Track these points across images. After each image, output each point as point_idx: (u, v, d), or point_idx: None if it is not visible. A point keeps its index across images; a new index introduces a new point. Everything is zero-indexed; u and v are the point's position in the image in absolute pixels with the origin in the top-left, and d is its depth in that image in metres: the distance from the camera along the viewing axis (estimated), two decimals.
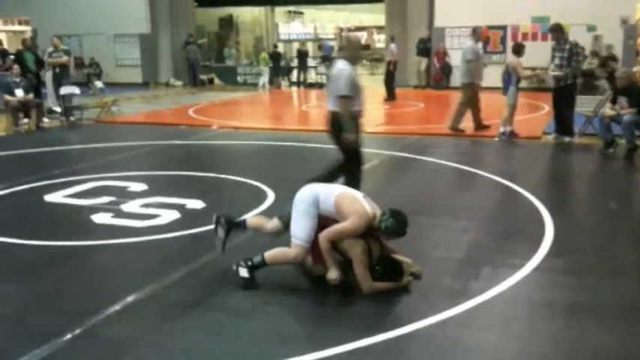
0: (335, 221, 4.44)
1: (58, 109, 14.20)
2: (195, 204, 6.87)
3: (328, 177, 6.32)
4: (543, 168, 9.30)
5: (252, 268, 4.52)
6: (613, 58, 13.88)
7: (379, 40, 37.20)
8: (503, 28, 19.89)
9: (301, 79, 23.30)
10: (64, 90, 13.96)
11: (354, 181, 6.31)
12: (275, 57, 23.45)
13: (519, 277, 4.78)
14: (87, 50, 24.05)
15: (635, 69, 14.23)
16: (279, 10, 30.45)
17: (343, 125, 6.19)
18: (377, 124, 13.77)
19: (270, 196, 7.14)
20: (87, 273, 5.11)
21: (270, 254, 4.55)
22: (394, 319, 4.10)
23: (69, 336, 3.90)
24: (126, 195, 7.31)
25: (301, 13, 33.90)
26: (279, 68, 23.37)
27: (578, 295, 4.57)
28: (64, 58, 14.80)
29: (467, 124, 11.54)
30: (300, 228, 4.47)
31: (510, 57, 11.32)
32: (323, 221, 4.49)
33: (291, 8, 31.54)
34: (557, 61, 10.19)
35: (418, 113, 15.67)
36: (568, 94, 10.27)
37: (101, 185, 7.81)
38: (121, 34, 23.94)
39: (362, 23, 39.00)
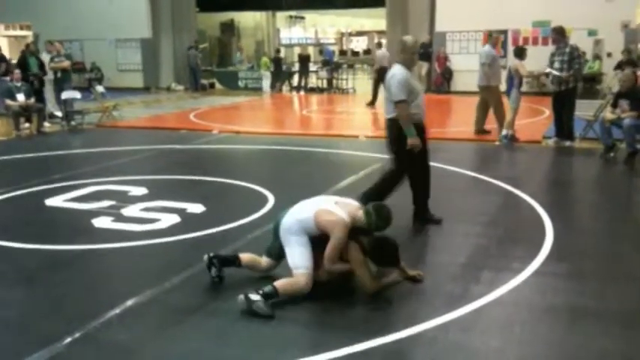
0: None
1: (59, 114, 14.22)
2: (196, 208, 6.87)
3: (382, 188, 6.26)
4: (544, 172, 9.29)
5: (264, 297, 4.24)
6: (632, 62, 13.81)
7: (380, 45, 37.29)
8: (504, 32, 19.88)
9: (302, 83, 23.31)
10: (66, 94, 13.99)
11: (389, 184, 6.31)
12: (277, 62, 23.50)
13: (520, 281, 4.77)
14: (88, 55, 24.09)
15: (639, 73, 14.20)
16: (281, 15, 30.54)
17: (405, 131, 5.98)
18: (378, 128, 13.77)
19: (271, 201, 7.14)
20: (87, 277, 5.11)
21: (281, 285, 4.36)
22: (396, 323, 4.09)
23: (69, 340, 3.89)
24: (126, 199, 7.31)
25: (302, 17, 34.01)
26: (281, 73, 23.40)
27: (580, 299, 4.56)
28: (66, 63, 14.83)
29: (490, 125, 11.57)
30: (300, 258, 4.44)
31: (513, 60, 11.35)
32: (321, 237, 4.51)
33: (293, 13, 31.63)
34: (557, 64, 10.19)
35: None
36: (568, 98, 10.28)
37: (102, 189, 7.82)
38: (123, 38, 24.00)
39: (363, 28, 39.13)
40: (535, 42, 19.20)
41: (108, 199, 7.29)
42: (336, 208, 4.50)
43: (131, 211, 6.82)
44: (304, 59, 23.64)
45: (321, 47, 30.63)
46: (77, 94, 14.25)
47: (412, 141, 5.98)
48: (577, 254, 5.42)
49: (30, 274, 5.10)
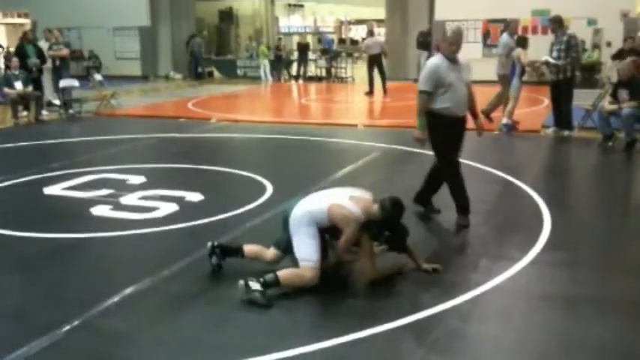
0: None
1: (58, 102, 14.18)
2: (194, 197, 6.87)
3: (431, 184, 6.16)
4: (542, 161, 9.30)
5: (264, 285, 4.24)
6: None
7: (379, 34, 37.18)
8: (504, 21, 19.82)
9: (301, 72, 23.26)
10: (64, 83, 13.95)
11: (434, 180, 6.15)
12: (278, 50, 23.45)
13: (518, 269, 4.79)
14: (86, 43, 24.01)
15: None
16: (279, 3, 30.40)
17: (417, 121, 5.85)
18: (376, 117, 13.78)
19: (269, 189, 7.14)
20: (86, 265, 5.12)
21: (284, 275, 4.33)
22: (394, 311, 4.10)
23: (68, 327, 3.90)
24: (125, 187, 7.31)
25: (301, 5, 33.85)
26: (281, 61, 23.35)
27: (577, 288, 4.58)
28: (65, 51, 14.78)
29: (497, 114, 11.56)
30: (308, 251, 4.39)
31: (516, 49, 11.34)
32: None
33: (292, 1, 31.49)
34: (555, 53, 10.20)
35: None
36: (566, 87, 10.28)
37: (100, 178, 7.81)
38: (121, 27, 23.90)
39: (362, 16, 38.96)
40: (534, 31, 19.13)
41: (106, 187, 7.29)
42: (349, 204, 4.43)
43: (129, 199, 6.82)
44: (303, 48, 23.57)
45: (319, 36, 30.55)
46: (75, 82, 14.21)
47: (417, 134, 5.87)
48: (575, 243, 5.43)
49: (28, 263, 5.11)
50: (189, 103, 15.80)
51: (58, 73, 14.47)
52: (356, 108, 16.14)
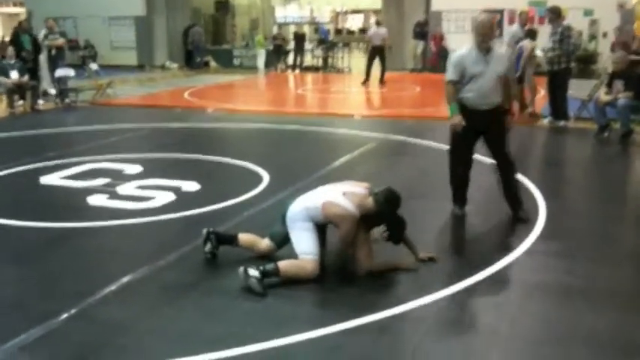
0: None
1: (53, 91, 14.14)
2: (191, 186, 6.88)
3: (510, 171, 5.86)
4: (538, 152, 9.32)
5: (263, 274, 4.26)
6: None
7: (378, 24, 37.06)
8: (500, 12, 19.79)
9: (297, 62, 23.21)
10: (59, 72, 13.91)
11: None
12: (276, 40, 23.41)
13: (512, 259, 4.82)
14: (82, 32, 23.89)
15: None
16: None
17: (448, 109, 5.76)
18: (373, 107, 13.79)
19: (265, 179, 7.15)
20: (82, 254, 5.13)
21: (284, 265, 4.35)
22: (388, 300, 4.13)
23: (65, 316, 3.92)
24: (121, 177, 7.32)
25: None
26: (279, 51, 23.31)
27: (571, 278, 4.61)
28: (61, 41, 14.72)
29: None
30: (307, 244, 4.42)
31: (526, 42, 11.31)
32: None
33: None
34: (550, 44, 10.25)
35: (414, 97, 15.66)
36: (561, 78, 10.31)
37: (96, 167, 7.81)
38: (117, 16, 23.79)
39: (359, 6, 38.83)
40: (532, 22, 19.09)
41: (103, 177, 7.29)
42: (343, 201, 4.42)
43: (126, 189, 6.83)
44: (299, 38, 23.51)
45: (316, 26, 30.45)
46: (71, 72, 14.16)
47: (451, 120, 5.73)
48: (570, 233, 5.46)
49: (25, 252, 5.12)
50: (186, 93, 15.77)
51: (53, 63, 14.42)
52: (352, 98, 16.13)
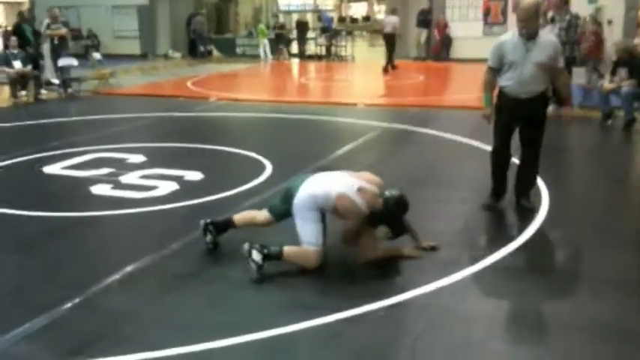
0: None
1: (56, 81, 14.15)
2: (194, 175, 6.89)
3: (534, 165, 5.69)
4: None
5: (266, 257, 4.30)
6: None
7: (379, 12, 36.91)
8: None
9: (300, 50, 23.15)
10: (62, 62, 13.90)
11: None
12: (281, 29, 23.33)
13: (514, 247, 4.81)
14: (85, 22, 23.86)
15: (635, 40, 14.13)
16: None
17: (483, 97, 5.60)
18: (376, 95, 13.76)
19: (268, 168, 7.16)
20: (86, 244, 5.15)
21: (289, 251, 4.38)
22: (389, 288, 4.15)
23: (68, 305, 3.95)
24: (125, 167, 7.33)
25: None
26: (282, 39, 23.25)
27: (573, 266, 4.62)
28: (63, 30, 14.68)
29: None
30: (313, 235, 4.40)
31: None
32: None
33: None
34: (556, 31, 10.16)
35: (418, 85, 15.62)
36: (566, 66, 10.24)
37: (100, 157, 7.83)
38: (119, 5, 23.75)
39: None
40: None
41: (106, 166, 7.31)
42: (356, 197, 4.38)
43: (129, 178, 6.84)
44: (302, 26, 23.43)
45: (319, 14, 30.35)
46: (74, 62, 14.15)
47: (483, 111, 5.62)
48: (572, 221, 5.46)
49: (28, 242, 5.14)
50: (189, 82, 15.76)
51: (56, 53, 14.40)
52: (356, 87, 16.10)
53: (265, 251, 4.29)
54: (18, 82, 12.90)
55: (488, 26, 19.97)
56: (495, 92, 5.61)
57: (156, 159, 7.71)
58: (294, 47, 23.82)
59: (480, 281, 4.32)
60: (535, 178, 5.82)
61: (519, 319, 3.85)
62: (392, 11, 18.53)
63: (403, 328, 3.74)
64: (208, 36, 25.02)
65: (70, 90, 13.78)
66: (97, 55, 16.34)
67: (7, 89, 13.14)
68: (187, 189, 6.44)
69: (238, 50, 23.95)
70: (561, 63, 5.46)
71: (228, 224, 4.85)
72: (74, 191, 6.53)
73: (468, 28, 20.02)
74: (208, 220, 4.85)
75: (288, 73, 19.97)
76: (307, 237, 4.42)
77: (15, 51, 12.98)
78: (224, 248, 4.79)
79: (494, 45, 5.46)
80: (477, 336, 3.65)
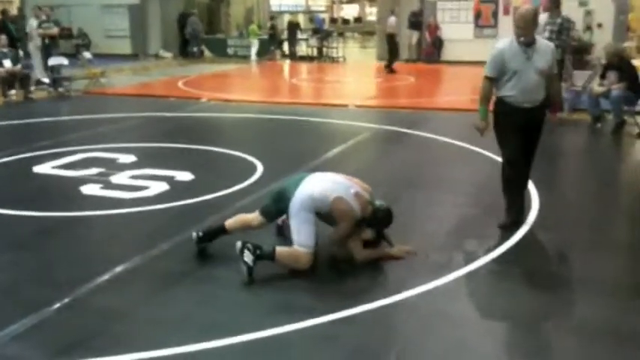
0: None
1: (47, 80, 14.07)
2: (185, 176, 6.87)
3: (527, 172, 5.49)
4: None
5: (258, 258, 4.29)
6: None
7: (371, 13, 36.98)
8: (495, 1, 19.78)
9: (291, 51, 23.14)
10: (52, 61, 13.84)
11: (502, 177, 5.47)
12: (273, 29, 23.33)
13: (505, 249, 4.83)
14: (75, 21, 23.74)
15: (625, 44, 14.23)
16: None
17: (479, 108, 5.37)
18: (367, 97, 13.77)
19: (259, 169, 7.15)
20: (76, 243, 5.13)
21: (281, 252, 4.40)
22: (381, 290, 4.16)
23: (58, 305, 3.93)
24: (115, 167, 7.30)
25: None
26: (274, 40, 23.24)
27: (563, 268, 4.64)
28: (55, 30, 14.63)
29: None
30: (305, 236, 4.42)
31: None
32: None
33: None
34: (546, 34, 10.17)
35: (409, 87, 15.65)
36: (558, 69, 10.28)
37: (90, 157, 7.79)
38: (110, 4, 23.63)
39: None
40: None
41: (96, 166, 7.28)
42: (353, 201, 4.47)
43: (120, 178, 6.82)
44: (293, 27, 23.43)
45: (311, 15, 30.37)
46: (64, 61, 14.09)
47: (475, 122, 5.43)
48: (562, 224, 5.48)
49: (18, 241, 5.11)
50: (180, 82, 15.72)
51: (47, 52, 14.34)
52: (347, 88, 16.10)
53: (258, 252, 4.29)
54: (7, 81, 12.82)
55: (479, 29, 20.04)
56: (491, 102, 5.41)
57: (146, 159, 7.68)
58: (286, 48, 23.81)
59: (471, 283, 4.34)
60: (524, 187, 5.58)
61: (510, 320, 3.86)
62: (391, 12, 18.54)
63: (394, 330, 3.75)
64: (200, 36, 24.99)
65: (61, 89, 13.70)
66: (87, 55, 16.23)
67: None
68: (178, 189, 6.42)
69: (229, 51, 23.90)
70: (556, 69, 5.38)
71: (221, 231, 4.82)
72: (64, 191, 6.50)
73: (459, 31, 20.08)
74: (200, 233, 4.78)
75: (280, 74, 19.96)
76: (300, 238, 4.43)
77: (5, 50, 12.89)
78: (215, 248, 4.78)
79: (493, 54, 5.19)
80: (468, 338, 3.66)
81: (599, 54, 11.41)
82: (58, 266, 4.63)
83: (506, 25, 12.29)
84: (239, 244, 4.31)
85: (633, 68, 9.54)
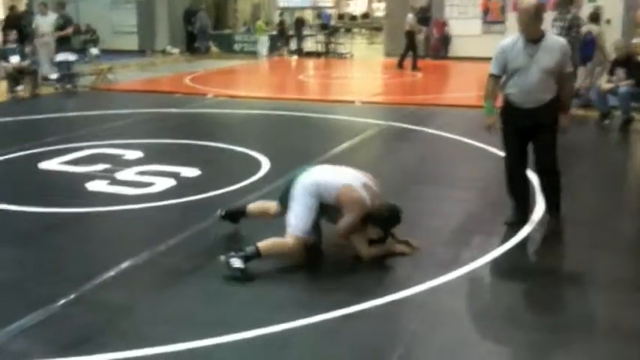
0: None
1: (54, 76, 14.11)
2: (191, 172, 6.88)
3: (552, 181, 5.24)
4: None
5: (246, 260, 4.24)
6: None
7: (378, 9, 36.87)
8: None
9: (298, 47, 23.12)
10: (60, 57, 13.86)
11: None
12: (281, 25, 23.33)
13: (510, 246, 4.82)
14: (83, 17, 23.78)
15: (634, 40, 14.13)
16: None
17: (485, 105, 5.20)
18: (374, 93, 13.75)
19: (266, 165, 7.15)
20: (82, 240, 5.14)
21: (264, 246, 4.31)
22: (387, 286, 4.15)
23: (64, 301, 3.94)
24: (121, 163, 7.32)
25: None
26: (283, 37, 23.23)
27: (569, 265, 4.62)
28: (70, 30, 14.62)
29: None
30: (300, 219, 4.38)
31: (591, 26, 11.10)
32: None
33: None
34: (555, 30, 10.12)
35: (416, 83, 15.61)
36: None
37: (96, 153, 7.81)
38: (118, 0, 23.67)
39: None
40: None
41: (102, 162, 7.30)
42: (363, 191, 4.42)
43: (126, 174, 6.83)
44: (299, 23, 23.41)
45: (318, 10, 30.32)
46: (71, 57, 14.11)
47: (485, 119, 5.25)
48: (567, 221, 5.45)
49: (24, 237, 5.13)
50: (187, 78, 15.73)
51: (59, 48, 14.36)
52: (354, 84, 16.08)
53: (242, 254, 4.24)
54: (15, 77, 12.86)
55: (487, 25, 19.96)
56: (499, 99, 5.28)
57: (153, 155, 7.69)
58: (293, 44, 23.78)
59: (477, 279, 4.33)
60: (553, 194, 5.25)
61: (516, 317, 3.85)
62: (411, 9, 18.41)
63: (400, 327, 3.74)
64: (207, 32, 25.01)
65: (67, 85, 13.73)
66: (94, 51, 16.28)
67: (3, 84, 13.09)
68: (184, 186, 6.43)
69: (236, 47, 23.91)
70: (569, 67, 5.01)
71: (241, 214, 4.94)
72: (70, 187, 6.51)
73: (467, 27, 20.02)
74: (223, 212, 4.97)
75: (287, 70, 19.94)
76: (295, 222, 4.37)
77: (13, 45, 12.94)
78: (221, 244, 4.79)
79: (496, 50, 5.01)
80: (473, 335, 3.66)
81: (607, 50, 11.30)
82: (65, 262, 4.64)
83: (515, 20, 12.18)
84: (222, 258, 4.25)
85: None
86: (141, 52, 23.39)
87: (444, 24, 20.49)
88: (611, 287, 4.20)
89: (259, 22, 23.85)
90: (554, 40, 4.98)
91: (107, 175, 6.78)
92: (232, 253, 4.25)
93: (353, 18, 39.19)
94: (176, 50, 23.56)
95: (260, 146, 7.99)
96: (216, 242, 4.84)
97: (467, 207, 5.80)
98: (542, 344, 3.54)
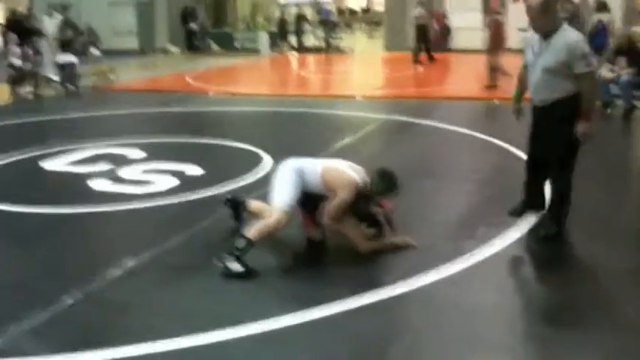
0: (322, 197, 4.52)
1: (56, 78, 14.12)
2: (194, 170, 6.90)
3: (558, 188, 4.95)
4: None
5: (240, 254, 4.20)
6: None
7: (378, 3, 36.83)
8: None
9: (298, 43, 23.12)
10: (61, 59, 13.88)
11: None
12: (282, 22, 23.31)
13: (514, 238, 4.82)
14: (84, 18, 23.77)
15: (634, 28, 14.09)
16: None
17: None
18: (375, 88, 13.74)
19: (268, 162, 7.16)
20: (86, 239, 5.17)
21: (253, 232, 4.27)
22: (390, 280, 4.15)
23: (69, 300, 3.96)
24: (124, 162, 7.34)
25: None
26: (283, 33, 23.22)
27: (573, 256, 4.62)
28: (72, 34, 14.61)
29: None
30: (282, 194, 4.41)
31: (600, 15, 11.09)
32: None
33: None
34: None
35: (417, 76, 15.59)
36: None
37: (100, 153, 7.83)
38: (118, 1, 23.67)
39: None
40: None
41: (106, 162, 7.31)
42: (347, 169, 4.46)
43: (129, 173, 6.85)
44: (299, 19, 23.39)
45: (318, 6, 30.28)
46: (73, 58, 14.12)
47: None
48: (572, 211, 5.44)
49: (29, 237, 5.15)
50: (187, 77, 15.75)
51: (64, 50, 14.38)
52: (354, 79, 16.08)
53: (236, 252, 4.22)
54: (18, 78, 12.89)
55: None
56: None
57: (155, 154, 7.71)
58: (293, 40, 23.78)
59: (481, 272, 4.32)
60: (554, 202, 4.95)
61: (522, 309, 3.86)
62: (421, 4, 18.31)
63: (404, 320, 3.75)
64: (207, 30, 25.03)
65: (70, 87, 13.73)
66: (95, 52, 16.28)
67: (6, 86, 13.12)
68: (187, 183, 6.44)
69: (237, 44, 23.90)
70: (582, 68, 4.50)
71: (241, 205, 5.02)
72: (75, 187, 6.53)
73: (467, 19, 19.98)
74: (229, 196, 5.13)
75: (287, 67, 19.93)
76: (281, 196, 4.41)
77: (15, 48, 12.97)
78: (224, 242, 4.78)
79: (523, 46, 4.95)
80: (478, 328, 3.65)
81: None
82: (69, 261, 4.66)
83: (515, 12, 12.17)
84: (218, 264, 4.23)
85: None
86: (141, 51, 23.41)
87: (443, 16, 20.45)
88: (618, 278, 4.19)
89: (260, 19, 23.84)
90: (564, 37, 4.56)
91: (111, 175, 6.80)
92: (225, 255, 4.23)
93: (353, 13, 39.14)
94: (176, 49, 23.56)
95: (263, 143, 8.00)
96: (219, 239, 4.84)
97: (470, 199, 5.80)
98: (548, 337, 3.54)
